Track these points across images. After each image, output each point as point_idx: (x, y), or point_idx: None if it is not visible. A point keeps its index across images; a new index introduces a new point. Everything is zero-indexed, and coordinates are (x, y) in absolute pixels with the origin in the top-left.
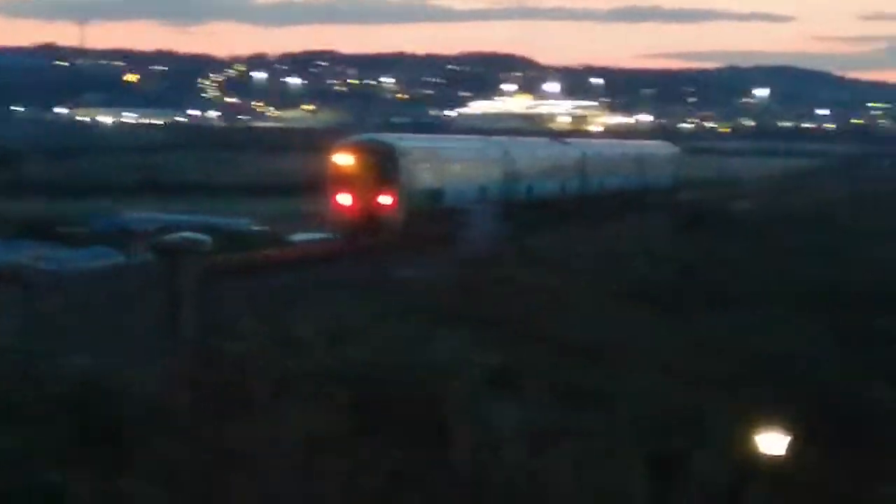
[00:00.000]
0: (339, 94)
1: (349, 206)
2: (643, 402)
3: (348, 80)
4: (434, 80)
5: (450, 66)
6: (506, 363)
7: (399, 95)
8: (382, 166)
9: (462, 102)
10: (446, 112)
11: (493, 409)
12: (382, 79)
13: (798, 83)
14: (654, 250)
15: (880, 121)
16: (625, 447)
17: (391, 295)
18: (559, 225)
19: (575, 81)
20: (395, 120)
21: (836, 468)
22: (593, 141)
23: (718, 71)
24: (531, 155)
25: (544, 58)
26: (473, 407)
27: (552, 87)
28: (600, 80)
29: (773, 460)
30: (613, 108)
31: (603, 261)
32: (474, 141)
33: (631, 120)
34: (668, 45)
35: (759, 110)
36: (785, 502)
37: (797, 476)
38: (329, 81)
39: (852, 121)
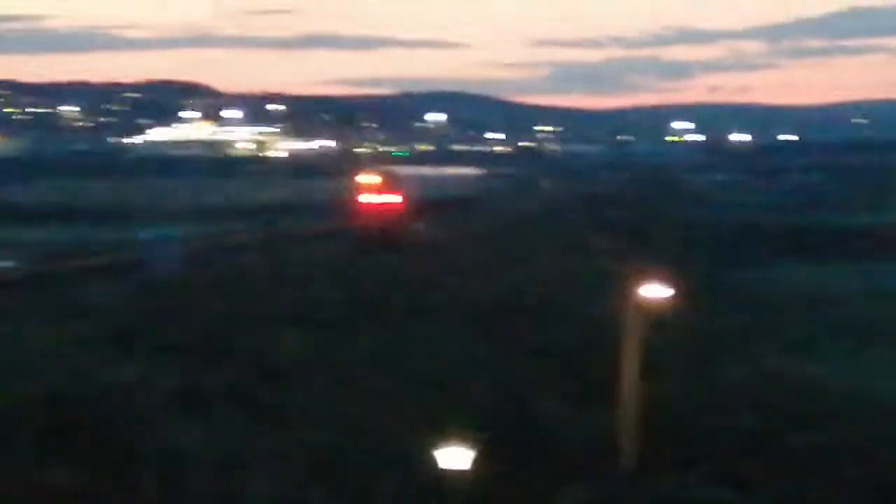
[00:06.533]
0: (20, 124)
1: (374, 202)
2: (325, 420)
3: (28, 109)
4: (114, 107)
5: (129, 94)
6: (190, 385)
7: (81, 123)
8: (392, 181)
9: (142, 130)
10: (126, 139)
11: (177, 433)
12: (63, 107)
13: (470, 108)
14: (332, 271)
15: (548, 143)
16: (306, 471)
17: (76, 320)
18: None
19: (255, 108)
20: (78, 147)
21: (517, 479)
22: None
23: (393, 97)
24: (445, 176)
25: (224, 85)
26: (157, 431)
27: (233, 113)
28: (280, 107)
29: (458, 475)
30: (293, 134)
31: (282, 282)
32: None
33: (310, 145)
34: (345, 72)
35: (435, 135)
36: None
37: (482, 490)
38: (8, 110)
39: (522, 144)
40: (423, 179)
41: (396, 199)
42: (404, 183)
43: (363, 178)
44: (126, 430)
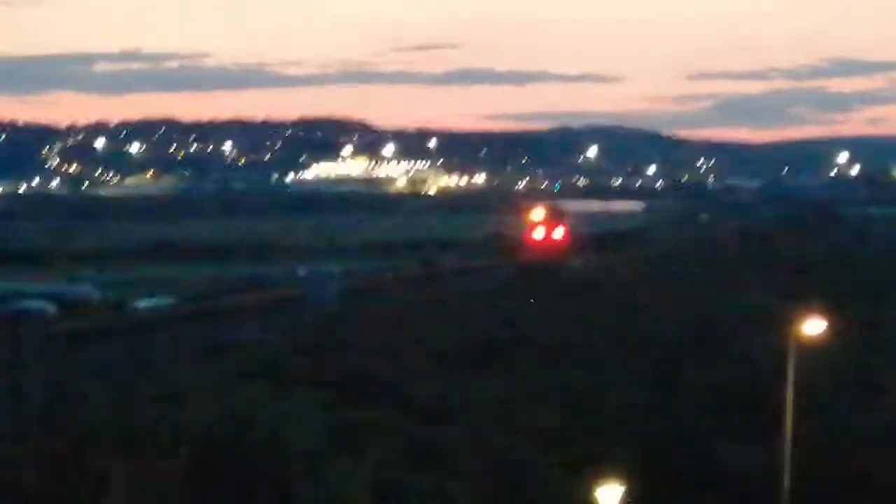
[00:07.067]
0: (180, 161)
1: (540, 237)
2: (483, 459)
3: (188, 147)
4: (273, 144)
5: (288, 131)
6: (347, 423)
7: (239, 161)
8: (557, 216)
9: (302, 166)
10: (283, 177)
11: (330, 469)
12: (220, 145)
13: (627, 142)
14: (487, 308)
15: (706, 177)
16: None
17: (231, 355)
18: None
19: (410, 144)
20: (236, 185)
21: None
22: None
23: (550, 131)
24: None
25: (380, 121)
26: (314, 468)
27: (388, 149)
28: (435, 143)
29: None
30: (448, 170)
31: (440, 319)
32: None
33: (466, 180)
34: (501, 106)
35: (591, 169)
36: None
37: None
38: (169, 148)
39: (680, 178)
40: (583, 214)
41: (559, 233)
42: (566, 218)
43: (526, 214)
44: (278, 466)
